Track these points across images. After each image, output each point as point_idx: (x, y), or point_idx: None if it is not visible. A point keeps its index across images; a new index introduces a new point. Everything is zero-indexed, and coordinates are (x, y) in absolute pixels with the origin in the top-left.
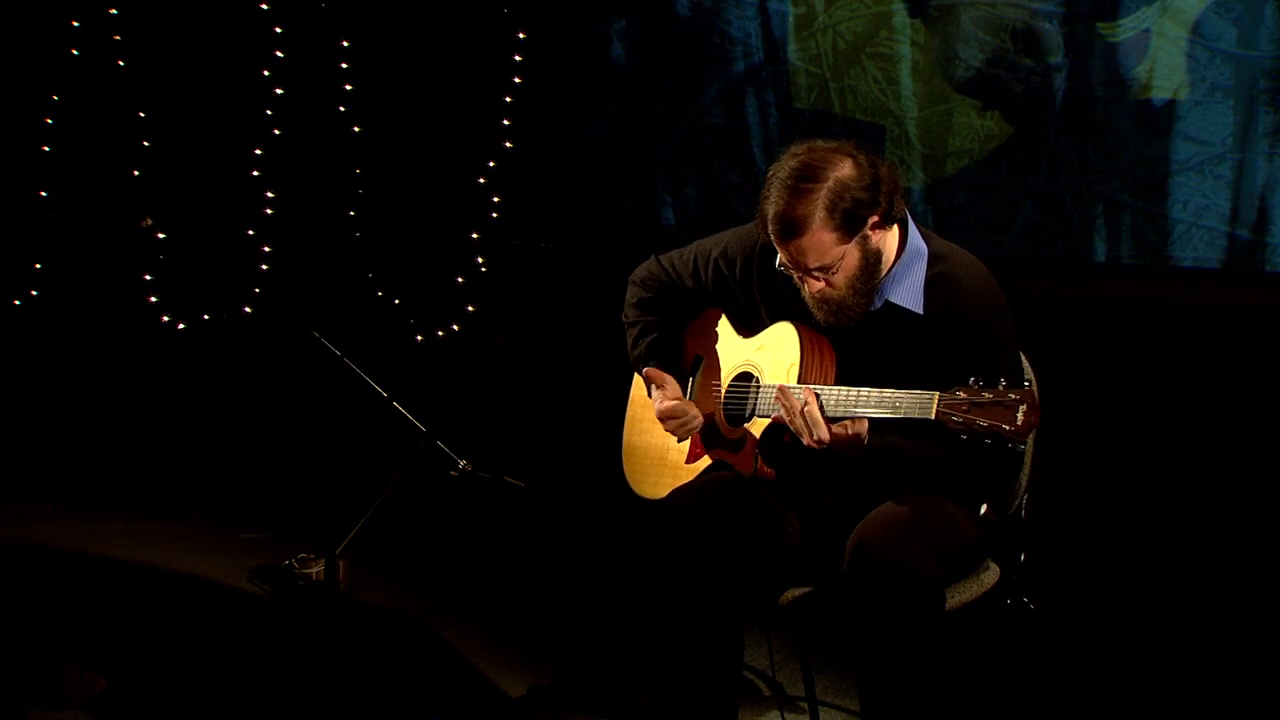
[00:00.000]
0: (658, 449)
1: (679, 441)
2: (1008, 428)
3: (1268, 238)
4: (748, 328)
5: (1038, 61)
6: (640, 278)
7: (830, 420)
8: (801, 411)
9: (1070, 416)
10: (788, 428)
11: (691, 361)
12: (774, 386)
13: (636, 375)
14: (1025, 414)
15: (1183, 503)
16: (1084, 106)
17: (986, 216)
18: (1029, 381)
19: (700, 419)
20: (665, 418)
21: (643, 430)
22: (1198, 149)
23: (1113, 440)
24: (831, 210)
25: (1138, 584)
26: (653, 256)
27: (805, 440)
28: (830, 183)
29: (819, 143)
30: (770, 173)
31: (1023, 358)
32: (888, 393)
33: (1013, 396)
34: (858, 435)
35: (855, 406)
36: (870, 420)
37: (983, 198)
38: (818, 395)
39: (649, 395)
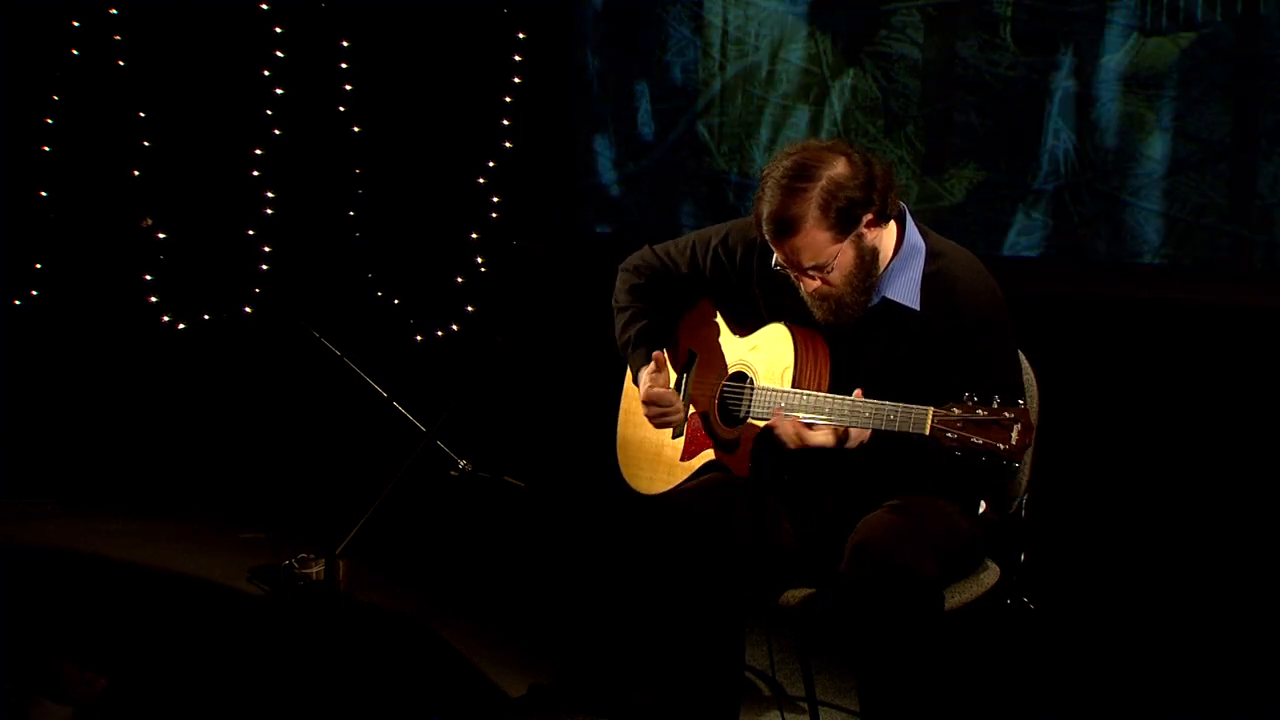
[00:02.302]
0: (652, 444)
1: (657, 429)
2: (1002, 446)
3: (1268, 237)
4: (742, 325)
5: (1037, 59)
6: (632, 265)
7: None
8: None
9: (1070, 416)
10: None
11: (685, 357)
12: (768, 389)
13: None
14: (1020, 433)
15: (1183, 503)
16: (1084, 105)
17: (986, 216)
18: (1023, 401)
19: (681, 414)
20: (648, 402)
21: (636, 423)
22: (1197, 148)
23: (1113, 440)
24: (825, 209)
25: (1137, 583)
26: (646, 245)
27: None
28: (824, 181)
29: (812, 141)
30: (764, 173)
31: (1021, 356)
32: (883, 406)
33: (1008, 415)
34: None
35: (849, 419)
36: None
37: (982, 197)
38: (809, 425)
39: (634, 381)
